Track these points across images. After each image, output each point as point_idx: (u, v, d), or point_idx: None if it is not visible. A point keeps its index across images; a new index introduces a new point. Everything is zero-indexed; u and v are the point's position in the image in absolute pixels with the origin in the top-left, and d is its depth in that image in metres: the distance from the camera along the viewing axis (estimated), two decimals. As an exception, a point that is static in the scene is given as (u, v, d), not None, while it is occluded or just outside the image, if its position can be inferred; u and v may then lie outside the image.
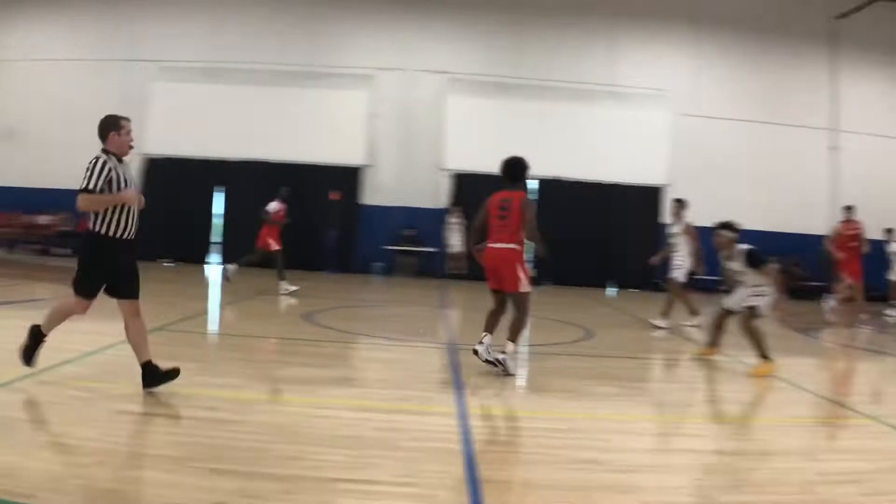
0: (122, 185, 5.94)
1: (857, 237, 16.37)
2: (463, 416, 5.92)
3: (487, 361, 7.76)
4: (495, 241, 8.24)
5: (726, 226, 9.39)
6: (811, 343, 13.51)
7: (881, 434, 6.84)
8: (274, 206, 15.13)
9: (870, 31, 24.28)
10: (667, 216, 22.12)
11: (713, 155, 22.98)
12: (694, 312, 13.53)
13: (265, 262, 15.33)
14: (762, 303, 9.06)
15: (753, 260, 9.05)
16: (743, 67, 23.87)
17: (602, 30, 23.01)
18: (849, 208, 16.78)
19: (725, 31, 23.74)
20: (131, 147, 6.19)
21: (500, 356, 7.83)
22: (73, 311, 6.21)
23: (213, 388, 5.50)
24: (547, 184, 21.81)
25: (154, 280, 16.61)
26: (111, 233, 5.99)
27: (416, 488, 4.30)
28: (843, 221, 16.79)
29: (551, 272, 21.20)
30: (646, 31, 23.30)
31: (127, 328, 6.12)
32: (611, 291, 21.33)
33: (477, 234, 8.55)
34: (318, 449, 4.86)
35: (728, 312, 9.45)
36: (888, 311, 17.71)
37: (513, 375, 7.77)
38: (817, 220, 23.42)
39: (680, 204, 14.15)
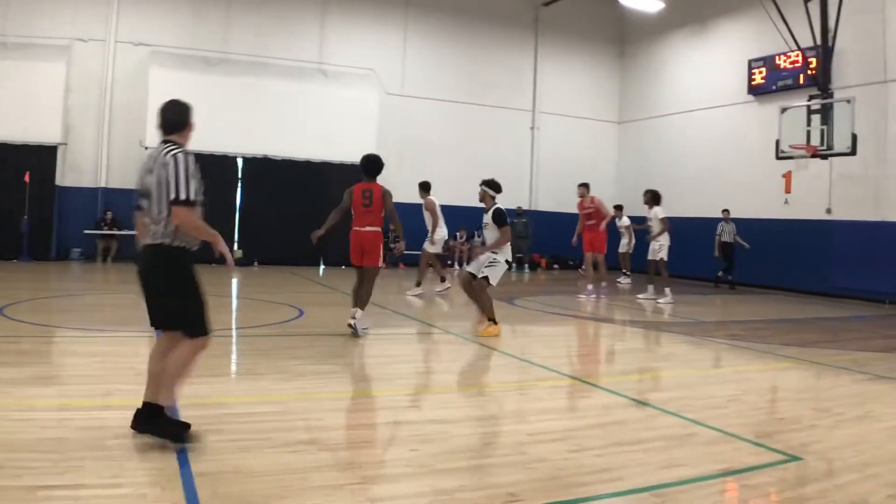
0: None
1: (591, 215, 17.23)
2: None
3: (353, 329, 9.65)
4: (362, 225, 10.05)
5: (491, 184, 11.02)
6: (515, 311, 14.24)
7: (584, 392, 7.37)
8: None
9: (568, 19, 26.12)
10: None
11: (422, 134, 23.73)
12: (443, 279, 16.01)
13: None
14: (492, 274, 10.44)
15: (497, 217, 10.54)
16: (452, 50, 24.84)
17: (313, 7, 22.85)
18: (582, 186, 17.60)
19: (435, 13, 24.57)
20: None
21: (351, 321, 9.68)
22: (196, 359, 5.10)
23: None
24: (255, 162, 21.52)
25: None
26: (189, 245, 5.04)
27: (127, 488, 4.10)
28: (580, 199, 17.57)
29: (256, 251, 20.96)
30: (356, 10, 23.45)
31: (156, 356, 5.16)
32: (323, 269, 21.37)
33: (336, 217, 10.19)
34: (17, 455, 4.51)
35: (473, 277, 10.64)
36: (620, 280, 19.32)
37: (361, 336, 9.57)
38: (521, 196, 24.97)
39: (423, 186, 16.26)
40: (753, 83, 21.87)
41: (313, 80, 22.43)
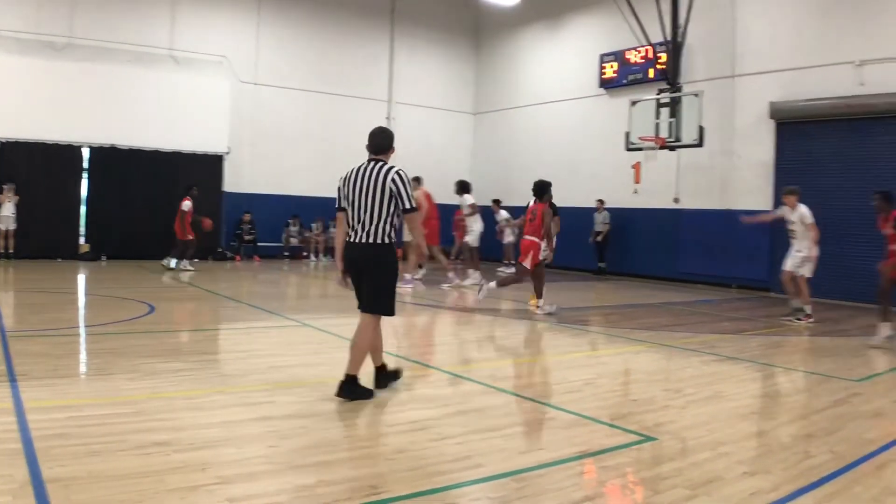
0: None
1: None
2: (20, 412, 5.46)
3: (549, 314, 12.49)
4: (525, 234, 13.00)
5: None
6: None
7: (443, 381, 7.39)
8: (188, 204, 18.26)
9: (424, 10, 26.26)
10: (227, 185, 22.17)
11: (277, 123, 23.30)
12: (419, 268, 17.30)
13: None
14: (545, 255, 13.06)
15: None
16: (307, 38, 24.35)
17: (163, -9, 22.04)
18: (414, 180, 17.76)
19: (289, 1, 24.04)
20: None
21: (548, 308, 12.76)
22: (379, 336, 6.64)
23: None
24: (102, 151, 20.56)
25: None
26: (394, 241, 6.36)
27: (-28, 498, 3.87)
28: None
29: (104, 245, 20.17)
30: (209, -5, 22.77)
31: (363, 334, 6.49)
32: (173, 263, 20.70)
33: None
34: None
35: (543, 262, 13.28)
36: (502, 270, 19.82)
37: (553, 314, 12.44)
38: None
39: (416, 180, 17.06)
40: (605, 77, 22.50)
41: (164, 66, 21.55)
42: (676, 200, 20.09)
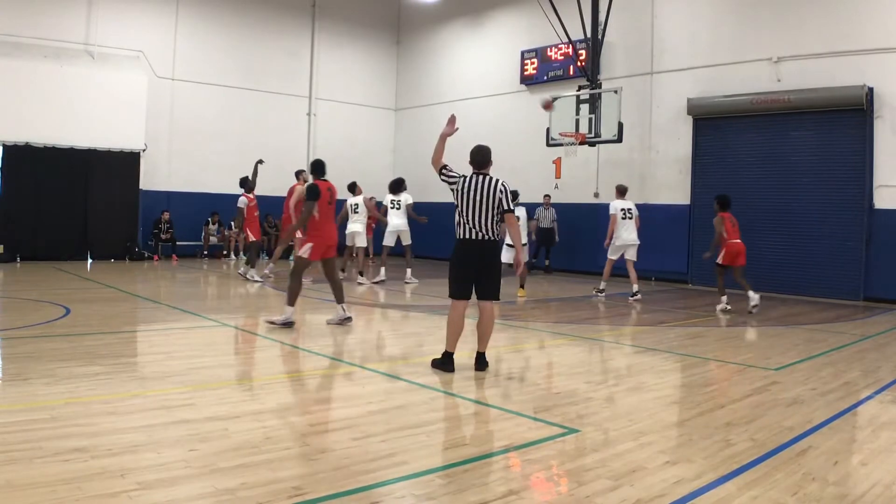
0: None
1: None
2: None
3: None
4: (735, 238, 13.40)
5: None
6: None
7: (364, 379, 7.34)
8: (244, 200, 17.70)
9: (345, 5, 26.15)
10: (144, 183, 21.70)
11: (195, 119, 22.89)
12: (361, 272, 17.12)
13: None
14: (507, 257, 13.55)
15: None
16: (227, 32, 24.00)
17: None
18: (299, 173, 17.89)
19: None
20: None
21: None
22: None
23: None
24: (16, 150, 19.90)
25: None
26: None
27: None
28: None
29: (19, 247, 19.59)
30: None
31: (480, 319, 7.90)
32: (91, 264, 20.22)
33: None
34: None
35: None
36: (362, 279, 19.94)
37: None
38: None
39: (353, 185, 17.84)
40: (526, 73, 22.71)
41: (79, 61, 20.94)
42: (596, 195, 20.35)
